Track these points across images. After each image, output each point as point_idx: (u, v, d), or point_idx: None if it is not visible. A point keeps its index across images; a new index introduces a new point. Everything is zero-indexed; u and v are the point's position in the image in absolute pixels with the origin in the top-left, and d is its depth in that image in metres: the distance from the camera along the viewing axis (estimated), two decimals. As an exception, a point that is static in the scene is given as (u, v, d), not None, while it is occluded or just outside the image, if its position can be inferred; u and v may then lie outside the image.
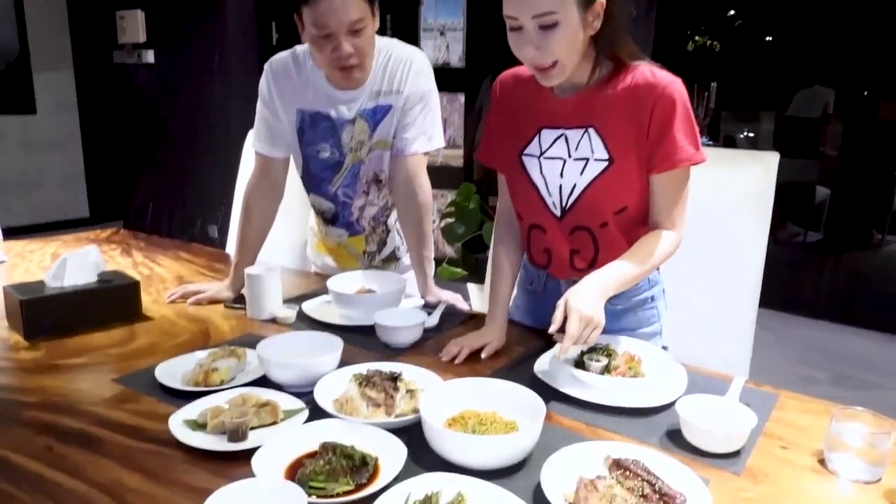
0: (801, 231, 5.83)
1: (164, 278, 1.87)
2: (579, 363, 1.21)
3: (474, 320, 1.55)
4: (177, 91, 5.12)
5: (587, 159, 1.27)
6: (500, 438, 0.95)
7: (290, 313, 1.52)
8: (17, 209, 5.70)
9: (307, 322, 1.51)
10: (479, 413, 1.04)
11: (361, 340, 1.39)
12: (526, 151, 1.34)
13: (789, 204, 5.55)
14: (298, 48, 1.65)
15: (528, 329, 1.50)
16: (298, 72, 1.64)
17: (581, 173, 1.27)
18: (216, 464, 0.94)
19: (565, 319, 1.11)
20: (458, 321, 1.55)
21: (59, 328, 1.42)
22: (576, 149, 1.28)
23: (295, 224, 2.09)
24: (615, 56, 1.23)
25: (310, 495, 0.82)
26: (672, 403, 1.10)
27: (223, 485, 0.80)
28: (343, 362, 1.20)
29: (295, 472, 0.89)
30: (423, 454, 0.95)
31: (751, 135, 6.68)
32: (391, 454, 0.93)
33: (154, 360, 1.24)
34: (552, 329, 1.12)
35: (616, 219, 1.29)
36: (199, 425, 1.02)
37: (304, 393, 1.12)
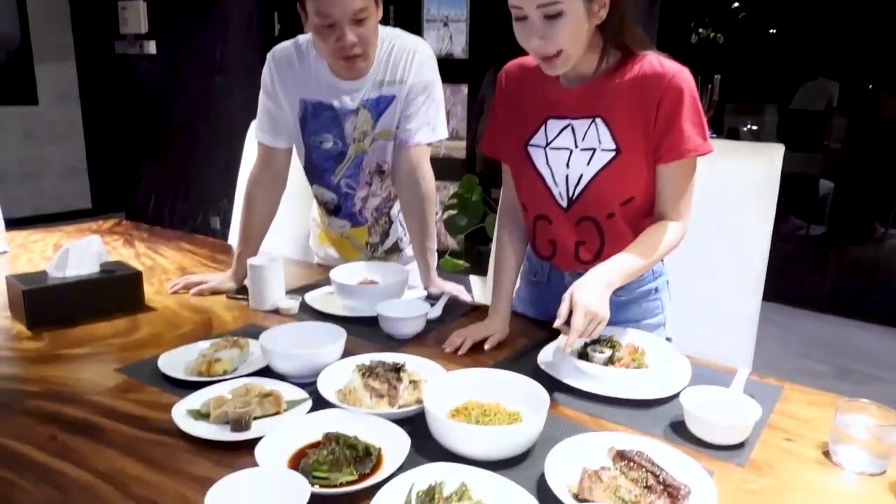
0: (804, 224, 5.82)
1: (167, 269, 1.87)
2: (583, 355, 1.20)
3: (477, 312, 1.54)
4: (179, 82, 5.11)
5: (594, 149, 1.26)
6: (503, 429, 0.95)
7: (292, 304, 1.52)
8: (19, 200, 5.69)
9: (310, 313, 1.51)
10: (483, 404, 1.04)
11: (364, 331, 1.39)
12: (532, 142, 1.33)
13: (793, 197, 5.53)
14: (301, 38, 1.64)
15: (532, 321, 1.49)
16: (301, 62, 1.63)
17: (588, 163, 1.26)
18: (219, 453, 0.94)
19: (570, 313, 1.10)
20: (461, 313, 1.55)
21: (62, 318, 1.42)
22: (582, 139, 1.27)
23: (297, 215, 2.08)
24: (623, 45, 1.22)
25: (313, 485, 0.82)
26: (676, 395, 1.09)
27: (226, 474, 0.80)
28: (346, 353, 1.20)
29: (298, 461, 0.88)
30: (426, 445, 0.95)
31: (754, 128, 6.66)
32: (394, 444, 0.92)
33: (157, 351, 1.24)
34: (557, 323, 1.11)
35: (623, 209, 1.28)
36: (202, 415, 1.02)
37: (307, 383, 1.12)
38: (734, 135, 6.56)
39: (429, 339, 1.39)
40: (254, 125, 1.77)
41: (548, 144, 1.31)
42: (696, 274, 1.61)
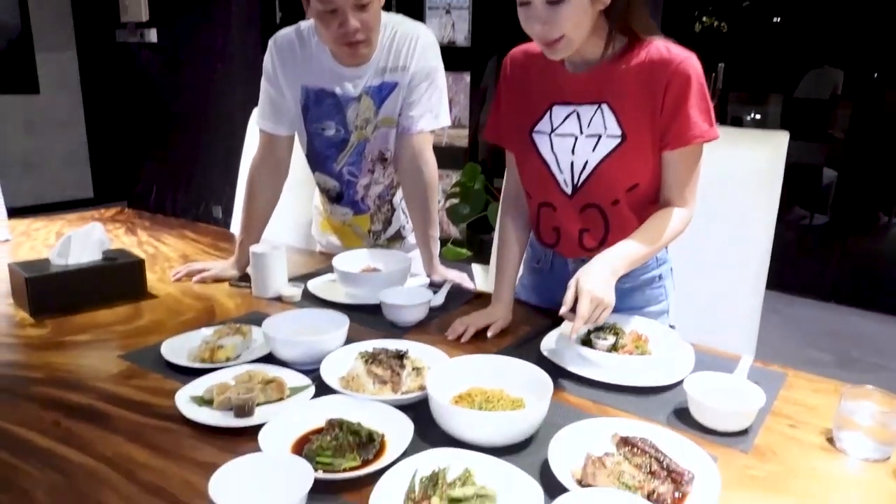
0: (807, 214, 5.80)
1: (169, 257, 1.87)
2: (586, 342, 1.20)
3: (480, 300, 1.54)
4: (180, 70, 5.09)
5: (599, 136, 1.25)
6: (507, 415, 0.95)
7: (295, 292, 1.52)
8: (20, 189, 5.68)
9: (312, 301, 1.51)
10: (486, 390, 1.04)
11: (367, 319, 1.39)
12: (536, 128, 1.32)
13: (796, 186, 5.51)
14: (303, 24, 1.63)
15: (535, 308, 1.49)
16: (303, 48, 1.62)
17: (593, 150, 1.26)
18: (223, 439, 0.94)
19: (575, 300, 1.10)
20: (463, 300, 1.54)
21: (65, 305, 1.42)
22: (588, 125, 1.26)
23: (299, 203, 2.08)
24: (629, 30, 1.21)
25: (317, 470, 0.82)
26: (679, 382, 1.09)
27: (230, 460, 0.80)
28: (348, 340, 1.20)
29: (301, 447, 0.88)
30: (429, 431, 0.95)
31: (758, 117, 6.62)
32: (398, 431, 0.92)
33: (159, 338, 1.24)
34: (563, 310, 1.11)
35: (628, 196, 1.28)
36: (205, 401, 1.02)
37: (310, 371, 1.12)
38: (738, 124, 6.53)
39: (431, 326, 1.38)
40: (255, 112, 1.76)
41: (553, 131, 1.30)
42: (700, 262, 1.61)
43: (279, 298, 1.52)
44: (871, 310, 4.07)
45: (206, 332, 1.25)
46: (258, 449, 0.87)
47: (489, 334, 1.32)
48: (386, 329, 1.35)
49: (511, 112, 1.38)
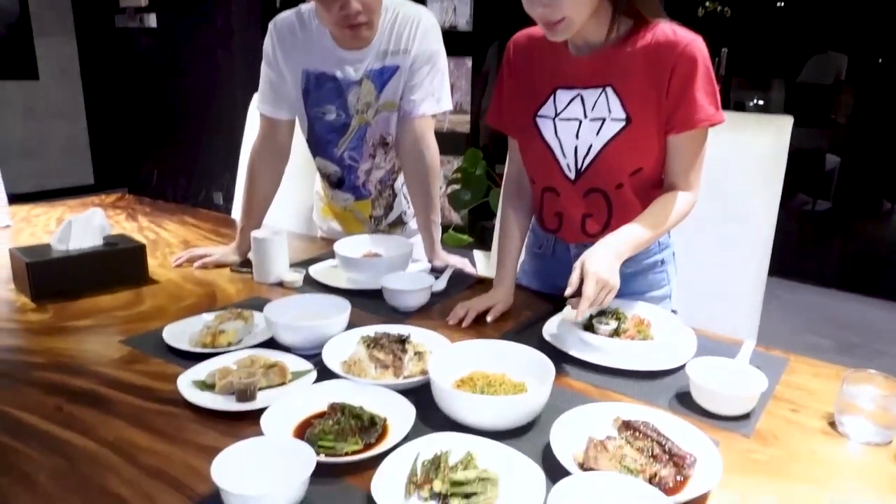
0: (810, 200, 5.78)
1: (170, 242, 1.87)
2: (588, 326, 1.20)
3: (482, 285, 1.54)
4: (180, 55, 5.07)
5: (604, 119, 1.24)
6: (509, 399, 0.94)
7: (296, 277, 1.51)
8: (20, 176, 5.65)
9: (314, 286, 1.51)
10: (488, 375, 1.04)
11: (368, 304, 1.38)
12: (540, 113, 1.31)
13: (799, 172, 5.49)
14: (303, 7, 1.62)
15: (536, 293, 1.49)
16: (303, 31, 1.60)
17: (597, 134, 1.25)
18: (225, 424, 0.94)
19: (581, 282, 1.10)
20: (465, 285, 1.54)
21: (66, 291, 1.42)
22: (592, 109, 1.25)
23: (301, 188, 2.07)
24: (635, 13, 1.20)
25: (319, 454, 0.82)
26: (681, 367, 1.09)
27: (232, 444, 0.80)
28: (350, 325, 1.20)
29: (303, 431, 0.88)
30: (431, 415, 0.95)
31: (761, 102, 6.58)
32: (400, 415, 0.92)
33: (161, 323, 1.24)
34: (568, 292, 1.10)
35: (631, 180, 1.27)
36: (207, 386, 1.02)
37: (312, 355, 1.12)
38: (741, 109, 6.49)
39: (433, 311, 1.38)
40: (256, 97, 1.75)
41: (557, 115, 1.29)
42: (702, 247, 1.60)
43: (280, 284, 1.52)
44: (872, 296, 4.07)
45: (208, 317, 1.25)
46: (260, 433, 0.87)
47: (489, 318, 1.32)
48: (387, 314, 1.35)
49: (514, 97, 1.37)
